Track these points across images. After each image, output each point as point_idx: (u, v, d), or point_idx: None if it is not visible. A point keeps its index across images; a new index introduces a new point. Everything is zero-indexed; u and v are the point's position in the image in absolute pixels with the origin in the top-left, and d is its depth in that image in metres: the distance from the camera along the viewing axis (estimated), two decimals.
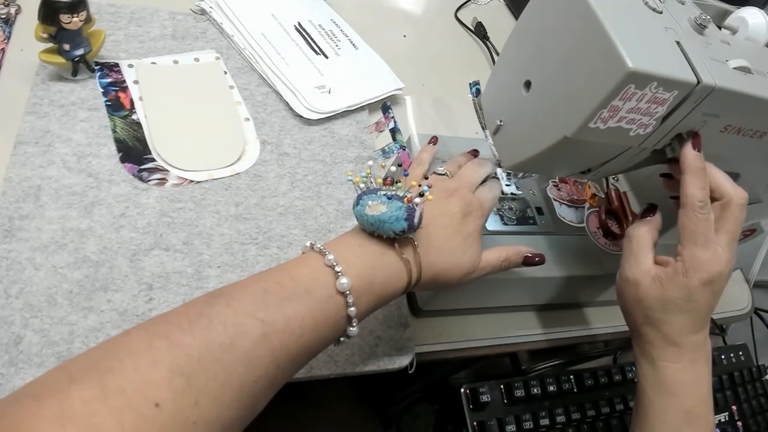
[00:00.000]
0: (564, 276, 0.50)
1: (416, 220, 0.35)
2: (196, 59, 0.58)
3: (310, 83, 0.60)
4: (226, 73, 0.59)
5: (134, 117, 0.52)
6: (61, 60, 0.49)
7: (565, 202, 0.56)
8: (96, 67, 0.53)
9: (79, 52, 0.50)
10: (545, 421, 0.54)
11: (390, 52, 0.67)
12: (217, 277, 0.45)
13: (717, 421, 0.64)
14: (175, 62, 0.57)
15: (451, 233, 0.39)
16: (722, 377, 0.66)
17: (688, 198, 0.38)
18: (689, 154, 0.38)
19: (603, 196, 0.57)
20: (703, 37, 0.37)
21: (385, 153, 0.59)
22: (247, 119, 0.56)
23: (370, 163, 0.43)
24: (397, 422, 0.80)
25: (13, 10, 0.55)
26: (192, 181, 0.50)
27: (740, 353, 0.70)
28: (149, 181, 0.48)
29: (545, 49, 0.36)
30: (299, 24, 0.66)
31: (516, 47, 0.40)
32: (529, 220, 0.52)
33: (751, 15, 0.42)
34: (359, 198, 0.37)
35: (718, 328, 0.73)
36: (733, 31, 0.43)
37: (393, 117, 0.61)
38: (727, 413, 0.65)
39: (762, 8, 0.42)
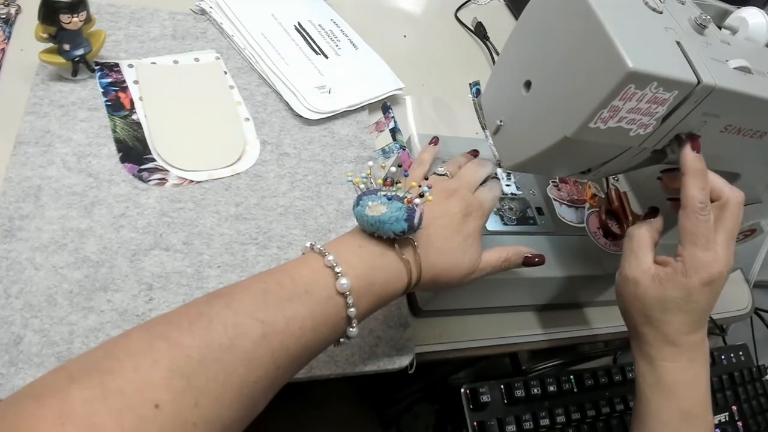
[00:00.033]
0: (564, 276, 0.50)
1: (416, 220, 0.35)
2: (196, 59, 0.58)
3: (310, 83, 0.60)
4: (226, 73, 0.59)
5: (134, 117, 0.52)
6: (61, 60, 0.49)
7: (565, 202, 0.56)
8: (96, 67, 0.53)
9: (79, 52, 0.50)
10: (545, 421, 0.54)
11: (390, 52, 0.67)
12: (217, 277, 0.45)
13: (717, 421, 0.64)
14: (175, 62, 0.57)
15: (451, 234, 0.39)
16: (722, 377, 0.66)
17: (689, 199, 0.38)
18: (689, 155, 0.38)
19: (603, 196, 0.57)
20: (703, 37, 0.37)
21: (385, 153, 0.59)
22: (247, 119, 0.56)
23: (370, 163, 0.43)
24: (397, 422, 0.80)
25: (13, 10, 0.55)
26: (192, 181, 0.50)
27: (740, 353, 0.70)
28: (149, 181, 0.48)
29: (545, 49, 0.36)
30: (299, 24, 0.66)
31: (516, 47, 0.40)
32: (529, 220, 0.52)
33: (751, 15, 0.42)
34: (359, 198, 0.37)
35: (718, 328, 0.73)
36: (733, 31, 0.43)
37: (393, 117, 0.61)
38: (727, 413, 0.65)
39: (762, 8, 0.42)
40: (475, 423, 0.52)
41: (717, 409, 0.64)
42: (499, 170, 0.49)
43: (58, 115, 0.49)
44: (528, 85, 0.38)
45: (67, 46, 0.49)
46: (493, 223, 0.50)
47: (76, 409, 0.24)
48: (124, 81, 0.54)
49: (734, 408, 0.66)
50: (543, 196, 0.55)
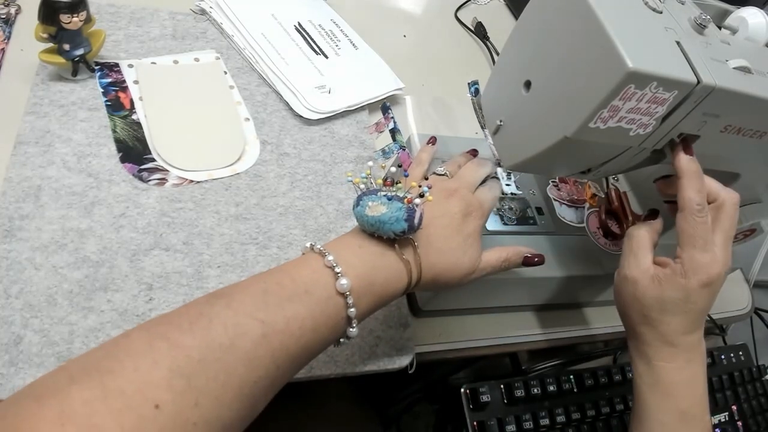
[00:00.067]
0: (564, 276, 0.50)
1: (416, 220, 0.35)
2: (196, 59, 0.58)
3: (310, 83, 0.60)
4: (226, 73, 0.59)
5: (134, 117, 0.52)
6: (61, 60, 0.49)
7: (565, 202, 0.56)
8: (96, 67, 0.53)
9: (79, 52, 0.50)
10: (545, 421, 0.54)
11: (390, 52, 0.67)
12: (217, 277, 0.45)
13: (717, 421, 0.64)
14: (175, 62, 0.57)
15: (451, 234, 0.39)
16: (722, 377, 0.66)
17: (686, 201, 0.38)
18: (683, 158, 0.38)
19: (603, 196, 0.57)
20: (703, 37, 0.37)
21: (385, 153, 0.59)
22: (247, 119, 0.56)
23: (370, 163, 0.43)
24: (397, 422, 0.80)
25: (13, 10, 0.55)
26: (192, 181, 0.50)
27: (740, 353, 0.70)
28: (149, 181, 0.48)
29: (545, 49, 0.36)
30: (299, 24, 0.66)
31: (516, 47, 0.40)
32: (529, 220, 0.52)
33: (751, 15, 0.42)
34: (359, 199, 0.37)
35: (718, 328, 0.73)
36: (733, 31, 0.43)
37: (393, 117, 0.61)
38: (727, 413, 0.65)
39: (762, 8, 0.42)
40: (475, 423, 0.52)
41: (717, 409, 0.64)
42: (499, 170, 0.49)
43: (58, 115, 0.49)
44: (528, 85, 0.38)
45: (67, 46, 0.49)
46: (493, 223, 0.50)
47: (77, 409, 0.24)
48: (124, 81, 0.54)
49: (734, 408, 0.66)
50: (543, 196, 0.55)
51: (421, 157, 0.48)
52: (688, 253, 0.39)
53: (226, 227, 0.48)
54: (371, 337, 0.47)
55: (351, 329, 0.34)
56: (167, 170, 0.49)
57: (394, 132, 0.59)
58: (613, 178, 0.59)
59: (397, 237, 0.35)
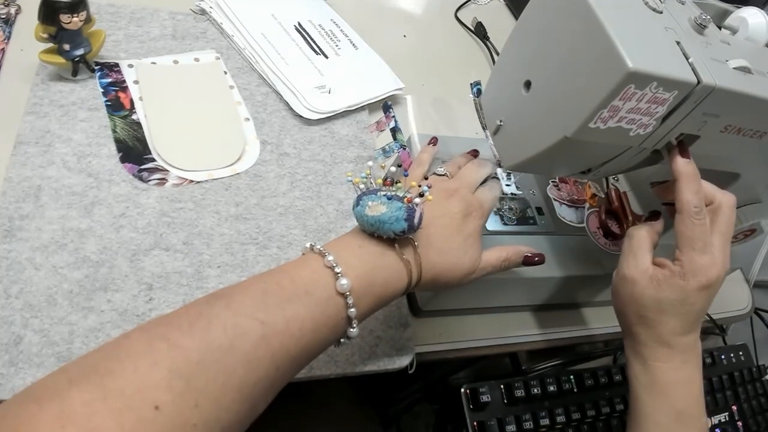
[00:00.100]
0: (564, 276, 0.50)
1: (416, 220, 0.35)
2: (196, 59, 0.58)
3: (310, 83, 0.60)
4: (226, 73, 0.59)
5: (134, 117, 0.52)
6: (61, 60, 0.49)
7: (565, 202, 0.56)
8: (96, 67, 0.53)
9: (79, 52, 0.50)
10: (545, 421, 0.54)
11: (390, 52, 0.67)
12: (217, 278, 0.45)
13: (717, 421, 0.64)
14: (175, 62, 0.57)
15: (452, 234, 0.39)
16: (722, 377, 0.66)
17: (684, 204, 0.38)
18: (679, 161, 0.39)
19: (603, 196, 0.57)
20: (703, 37, 0.37)
21: (385, 152, 0.59)
22: (247, 119, 0.56)
23: (370, 163, 0.43)
24: (397, 422, 0.80)
25: (13, 10, 0.55)
26: (192, 181, 0.50)
27: (740, 353, 0.70)
28: (149, 181, 0.48)
29: (545, 49, 0.36)
30: (299, 24, 0.66)
31: (516, 47, 0.40)
32: (529, 220, 0.52)
33: (751, 15, 0.42)
34: (359, 198, 0.37)
35: (718, 328, 0.73)
36: (733, 31, 0.43)
37: (394, 116, 0.61)
38: (727, 413, 0.65)
39: (762, 8, 0.42)
40: (475, 423, 0.52)
41: (717, 409, 0.64)
42: (499, 170, 0.49)
43: (58, 115, 0.49)
44: (528, 85, 0.38)
45: (67, 46, 0.49)
46: (493, 223, 0.50)
47: (76, 410, 0.24)
48: (124, 81, 0.54)
49: (734, 408, 0.66)
50: (543, 196, 0.55)
51: (421, 157, 0.48)
52: (687, 255, 0.39)
53: (226, 227, 0.48)
54: (371, 337, 0.47)
55: (351, 329, 0.34)
56: (167, 170, 0.49)
57: (395, 131, 0.59)
58: (613, 178, 0.59)
59: (397, 237, 0.35)
